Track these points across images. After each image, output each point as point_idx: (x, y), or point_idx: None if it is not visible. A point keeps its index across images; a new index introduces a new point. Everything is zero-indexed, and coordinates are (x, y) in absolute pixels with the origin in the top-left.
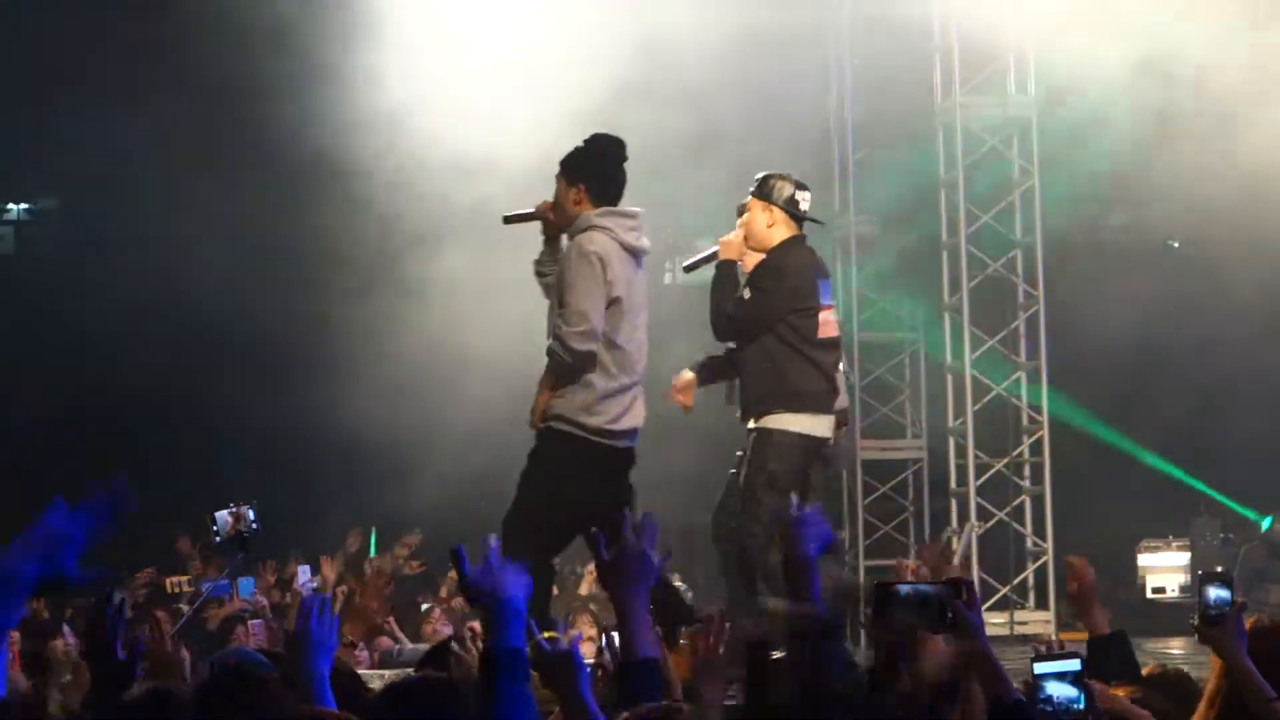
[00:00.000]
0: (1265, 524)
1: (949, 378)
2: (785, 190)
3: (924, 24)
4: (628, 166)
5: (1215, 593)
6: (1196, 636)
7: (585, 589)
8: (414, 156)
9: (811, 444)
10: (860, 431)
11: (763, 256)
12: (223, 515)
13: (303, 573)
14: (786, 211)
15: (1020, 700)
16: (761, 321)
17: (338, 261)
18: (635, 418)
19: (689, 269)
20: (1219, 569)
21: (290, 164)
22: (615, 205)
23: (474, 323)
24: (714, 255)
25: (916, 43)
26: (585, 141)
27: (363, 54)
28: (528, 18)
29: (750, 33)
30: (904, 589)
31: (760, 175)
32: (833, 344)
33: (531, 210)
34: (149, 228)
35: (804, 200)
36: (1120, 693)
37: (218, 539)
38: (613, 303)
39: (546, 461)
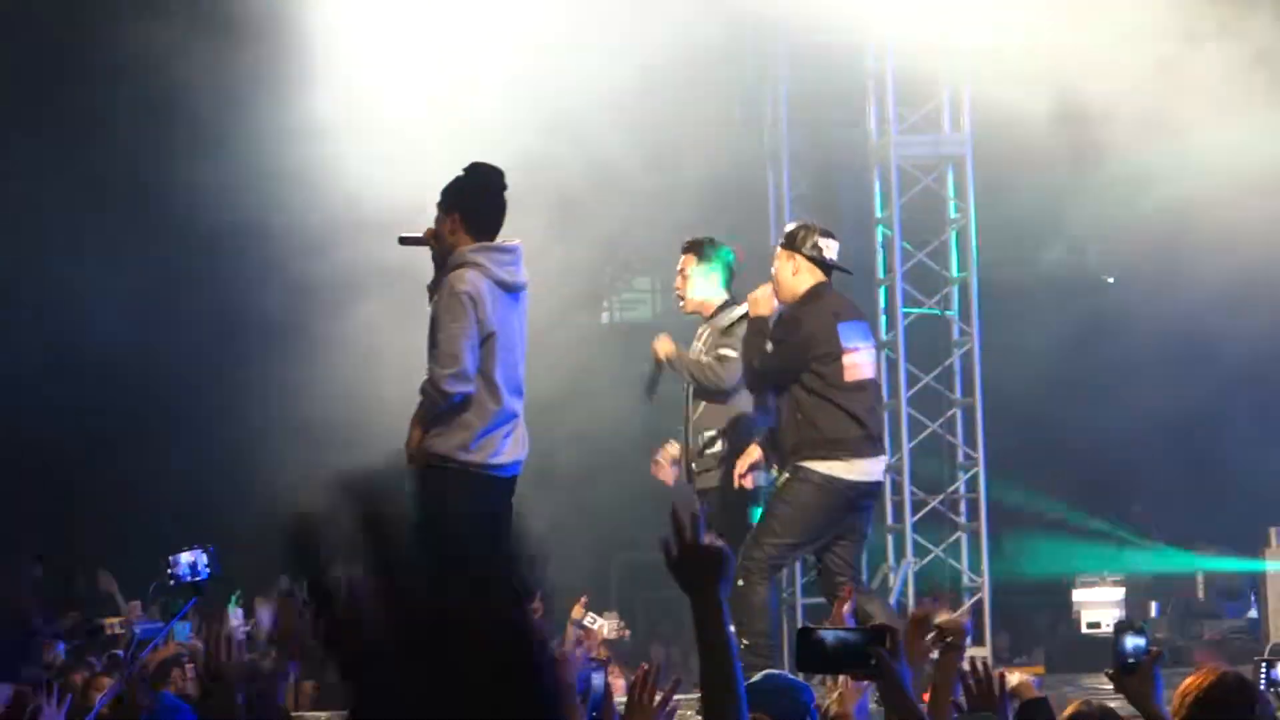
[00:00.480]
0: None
1: (885, 415)
2: (809, 239)
3: (858, 62)
4: (535, 199)
5: (1131, 641)
6: (1112, 686)
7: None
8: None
9: (840, 487)
10: None
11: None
12: (180, 557)
13: (246, 616)
14: (810, 259)
15: None
16: (785, 373)
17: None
18: (517, 450)
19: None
20: (1133, 620)
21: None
22: (493, 237)
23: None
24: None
25: (851, 81)
26: (465, 170)
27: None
28: (442, 69)
29: (686, 71)
30: (828, 635)
31: (788, 227)
32: (860, 386)
33: (420, 235)
34: (56, 272)
35: (829, 248)
36: None
37: (173, 582)
38: (486, 339)
39: (432, 501)
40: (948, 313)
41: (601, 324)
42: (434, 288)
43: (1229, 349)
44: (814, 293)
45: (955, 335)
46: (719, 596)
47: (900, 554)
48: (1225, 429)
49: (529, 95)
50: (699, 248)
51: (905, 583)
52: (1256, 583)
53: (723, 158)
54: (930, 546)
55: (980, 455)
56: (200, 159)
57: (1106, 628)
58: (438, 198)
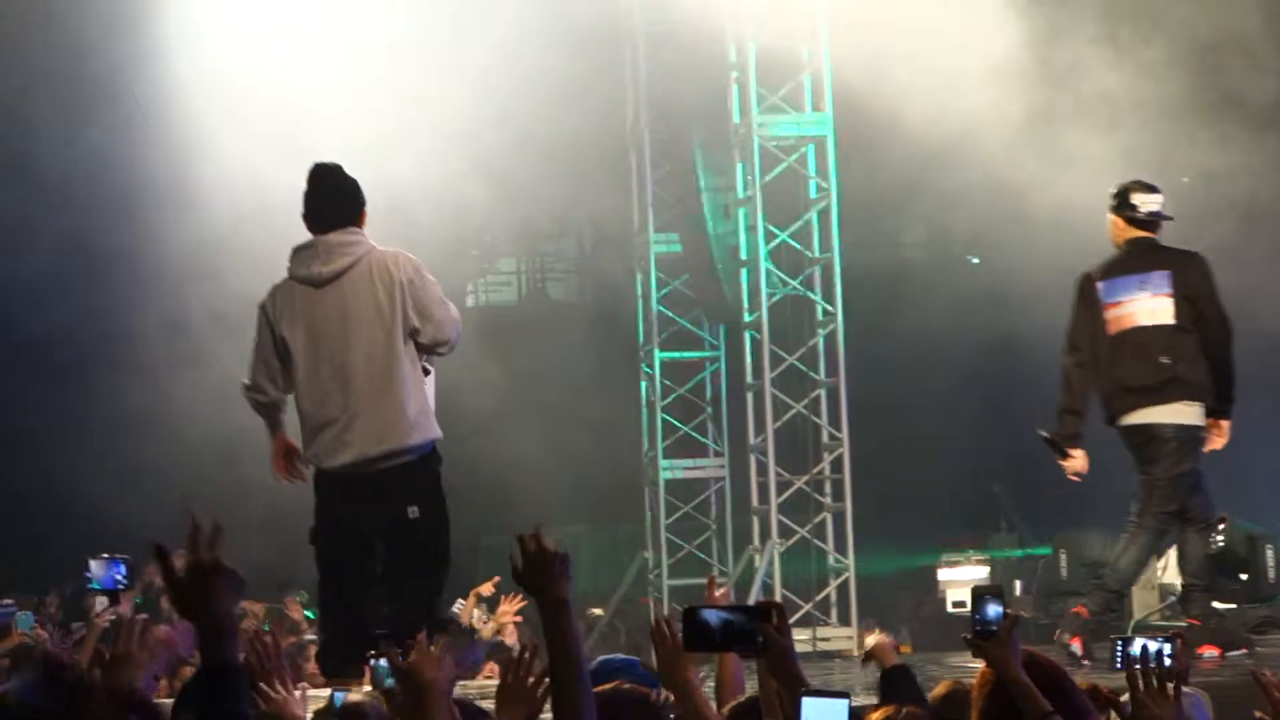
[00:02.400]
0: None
1: (749, 396)
2: (1125, 196)
3: (719, 42)
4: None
5: (990, 608)
6: (970, 651)
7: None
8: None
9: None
10: (662, 450)
11: None
12: (97, 564)
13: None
14: (1125, 217)
15: None
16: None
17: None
18: (350, 450)
19: None
20: (991, 584)
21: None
22: (312, 232)
23: None
24: None
25: (712, 61)
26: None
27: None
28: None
29: (549, 52)
30: (713, 615)
31: (1110, 189)
32: (1123, 337)
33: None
34: None
35: (1144, 203)
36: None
37: (91, 586)
38: (283, 343)
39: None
40: (810, 293)
41: (466, 307)
42: None
43: None
44: (1117, 252)
45: (819, 316)
46: (566, 596)
47: (766, 535)
48: None
49: (390, 79)
50: None
51: (771, 564)
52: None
53: (585, 139)
54: (796, 528)
55: (845, 436)
56: None
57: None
58: None
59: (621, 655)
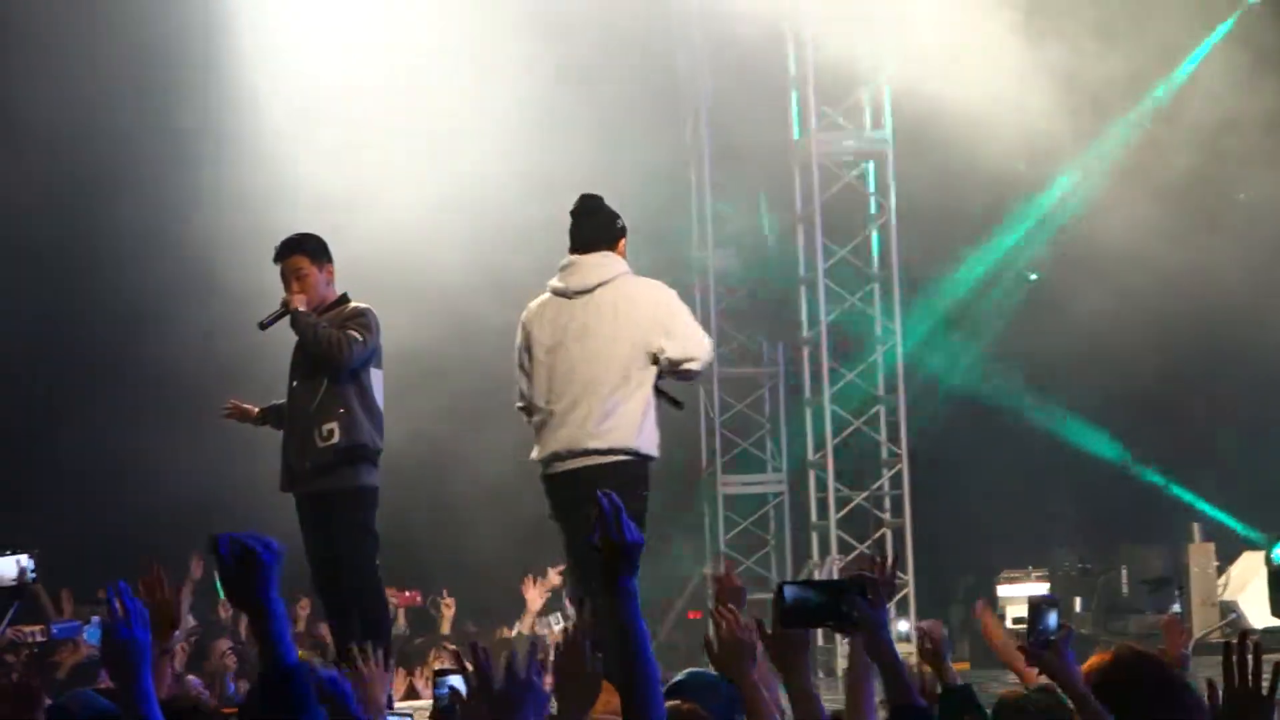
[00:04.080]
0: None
1: (808, 412)
2: None
3: (779, 60)
4: None
5: (1049, 618)
6: (1028, 661)
7: (445, 627)
8: None
9: None
10: (721, 466)
11: None
12: (3, 562)
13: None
14: None
15: (924, 706)
16: None
17: None
18: (552, 448)
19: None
20: (1048, 595)
21: None
22: (572, 253)
23: None
24: (282, 313)
25: (773, 78)
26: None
27: None
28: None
29: (609, 69)
30: (807, 589)
31: None
32: None
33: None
34: None
35: None
36: None
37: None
38: (529, 351)
39: None
40: (869, 310)
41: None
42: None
43: None
44: None
45: (878, 332)
46: (633, 587)
47: (825, 551)
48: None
49: (449, 91)
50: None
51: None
52: (1180, 577)
53: (644, 155)
54: (855, 543)
55: (904, 452)
56: None
57: None
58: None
59: (714, 673)
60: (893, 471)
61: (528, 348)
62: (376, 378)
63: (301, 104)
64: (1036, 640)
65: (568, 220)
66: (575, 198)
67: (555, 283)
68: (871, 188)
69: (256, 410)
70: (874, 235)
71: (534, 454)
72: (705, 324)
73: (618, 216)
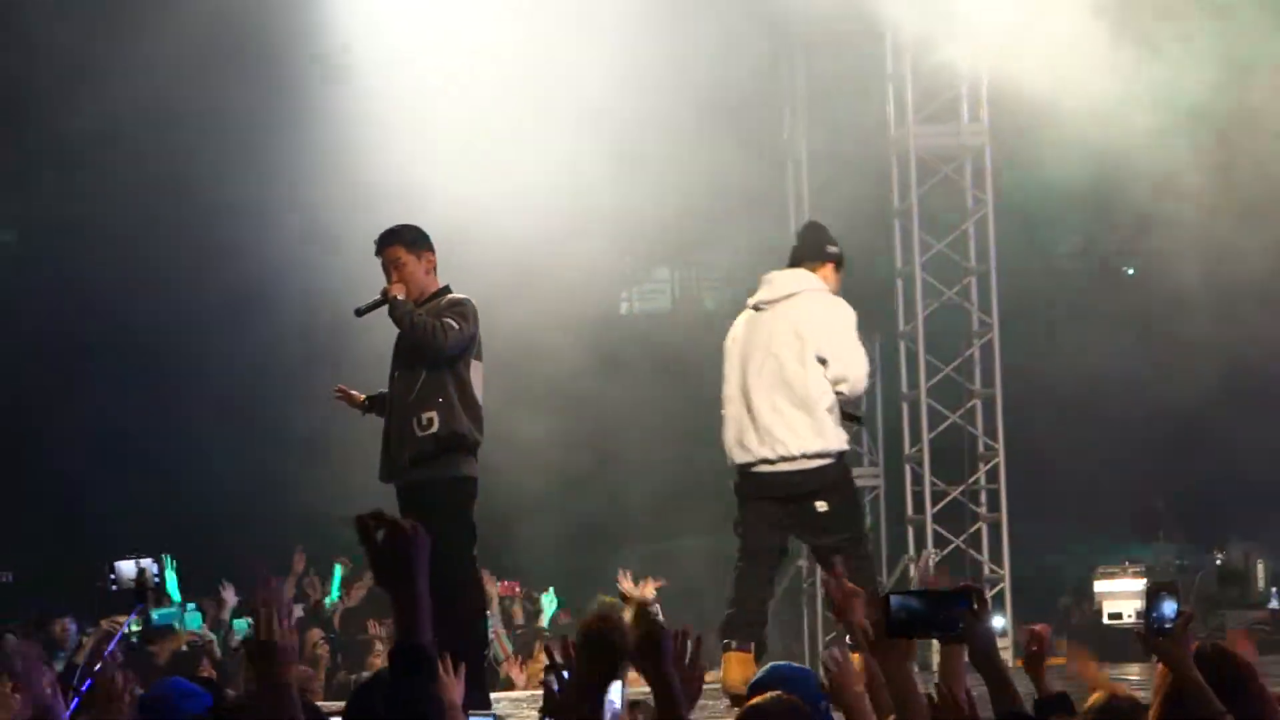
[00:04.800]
0: None
1: (905, 406)
2: None
3: (878, 54)
4: None
5: (1166, 605)
6: (1144, 648)
7: (544, 620)
8: None
9: None
10: None
11: None
12: (124, 565)
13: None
14: None
15: (1026, 714)
16: None
17: None
18: (750, 453)
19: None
20: (1167, 580)
21: None
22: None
23: None
24: (381, 301)
25: (871, 72)
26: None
27: None
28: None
29: (704, 63)
30: (914, 600)
31: None
32: None
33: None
34: None
35: None
36: None
37: (114, 588)
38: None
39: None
40: (966, 303)
41: (619, 314)
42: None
43: None
44: None
45: (975, 326)
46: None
47: (921, 545)
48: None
49: (551, 86)
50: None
51: (926, 573)
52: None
53: (742, 148)
54: (951, 537)
55: (1000, 446)
56: None
57: (1128, 619)
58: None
59: (796, 665)
60: (989, 465)
61: (728, 358)
62: (476, 370)
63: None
64: (1152, 627)
65: (667, 218)
66: (675, 192)
67: (752, 298)
68: (969, 181)
69: (363, 397)
70: (971, 229)
71: (731, 459)
72: None
73: (830, 243)
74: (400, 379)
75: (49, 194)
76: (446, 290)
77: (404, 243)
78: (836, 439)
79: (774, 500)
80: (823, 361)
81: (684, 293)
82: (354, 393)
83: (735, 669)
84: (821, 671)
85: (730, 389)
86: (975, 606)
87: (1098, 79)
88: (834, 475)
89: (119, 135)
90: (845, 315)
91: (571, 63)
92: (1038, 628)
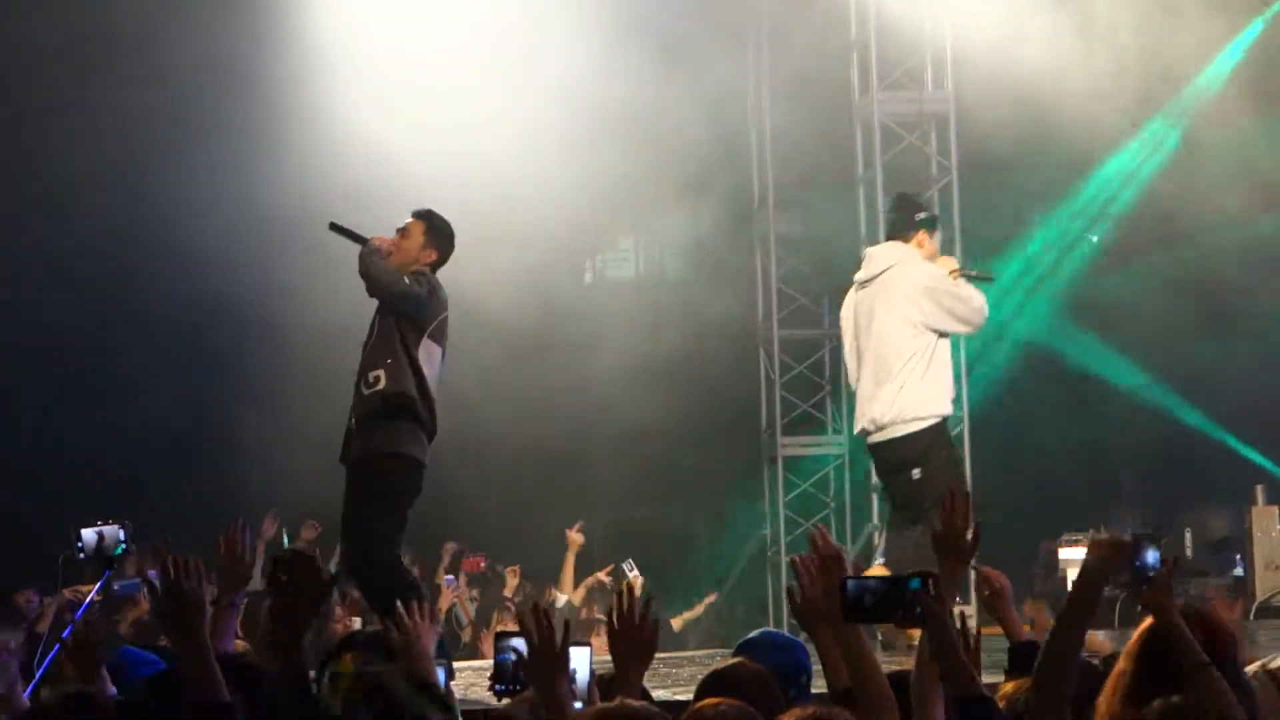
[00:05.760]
0: None
1: None
2: None
3: (842, 19)
4: None
5: (1149, 553)
6: (1129, 597)
7: (508, 590)
8: None
9: None
10: (781, 428)
11: None
12: (89, 533)
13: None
14: None
15: (986, 696)
16: None
17: None
18: (861, 421)
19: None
20: (1152, 530)
21: None
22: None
23: None
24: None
25: (835, 38)
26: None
27: None
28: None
29: (668, 28)
30: (871, 584)
31: None
32: None
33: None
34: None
35: None
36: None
37: (80, 556)
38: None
39: None
40: None
41: (584, 283)
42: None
43: None
44: None
45: None
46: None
47: (885, 513)
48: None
49: (509, 50)
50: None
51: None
52: (1243, 540)
53: (706, 115)
54: None
55: (965, 414)
56: None
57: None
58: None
59: (788, 635)
60: (953, 434)
61: (844, 337)
62: (430, 350)
63: (362, 64)
64: (1136, 577)
65: (636, 183)
66: (638, 157)
67: (857, 275)
68: (934, 149)
69: None
70: (935, 197)
71: (855, 427)
72: (765, 285)
73: (919, 210)
74: (362, 358)
75: None
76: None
77: (429, 224)
78: (929, 406)
79: (885, 469)
80: (928, 326)
81: (647, 261)
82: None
83: None
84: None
85: (849, 365)
86: (932, 590)
87: (1065, 44)
88: (926, 442)
89: None
90: (933, 274)
91: (532, 28)
92: (989, 571)
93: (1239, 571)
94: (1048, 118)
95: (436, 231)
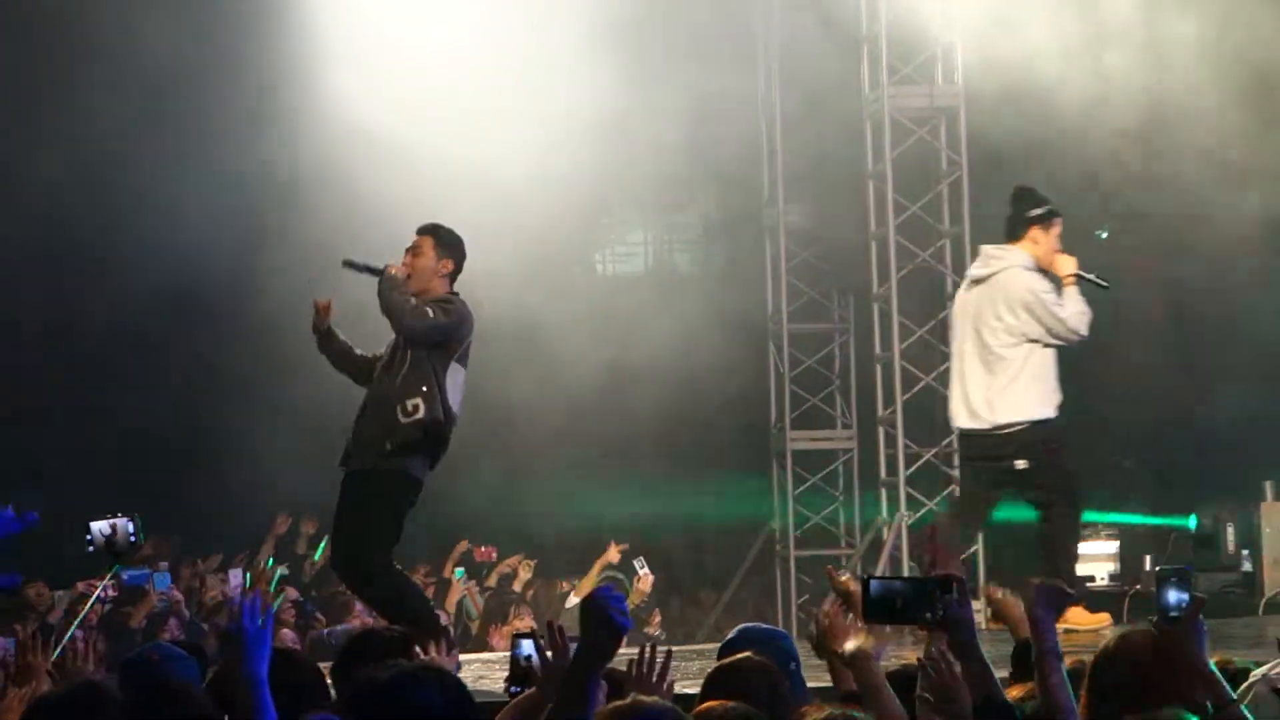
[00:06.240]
0: (1191, 523)
1: (878, 368)
2: None
3: (852, 14)
4: None
5: (1174, 594)
6: (1159, 635)
7: (519, 584)
8: None
9: None
10: (790, 422)
11: None
12: (99, 525)
13: (234, 576)
14: None
15: (1007, 702)
16: None
17: None
18: (957, 419)
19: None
20: (1177, 566)
21: None
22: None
23: None
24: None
25: (845, 32)
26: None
27: None
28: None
29: (678, 19)
30: (895, 585)
31: None
32: None
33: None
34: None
35: None
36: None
37: (90, 549)
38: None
39: None
40: (939, 266)
41: (594, 276)
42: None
43: None
44: None
45: (949, 289)
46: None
47: (894, 508)
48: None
49: (517, 40)
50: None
51: (899, 536)
52: (1253, 535)
53: (716, 108)
54: (924, 500)
55: None
56: None
57: (1101, 581)
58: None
59: (767, 626)
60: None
61: (951, 329)
62: (455, 373)
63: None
64: (1162, 615)
65: (643, 183)
66: (647, 150)
67: (969, 270)
68: (944, 143)
69: (328, 322)
70: (945, 191)
71: (952, 421)
72: (775, 278)
73: (1034, 206)
74: (382, 375)
75: None
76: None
77: (437, 238)
78: (1030, 409)
79: (982, 460)
80: (1026, 337)
81: (657, 255)
82: (324, 310)
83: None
84: (811, 625)
85: (953, 359)
86: (957, 594)
87: (1074, 39)
88: (1027, 439)
89: None
90: (1036, 288)
91: (544, 24)
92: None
93: (1248, 568)
94: (1057, 112)
95: (446, 242)
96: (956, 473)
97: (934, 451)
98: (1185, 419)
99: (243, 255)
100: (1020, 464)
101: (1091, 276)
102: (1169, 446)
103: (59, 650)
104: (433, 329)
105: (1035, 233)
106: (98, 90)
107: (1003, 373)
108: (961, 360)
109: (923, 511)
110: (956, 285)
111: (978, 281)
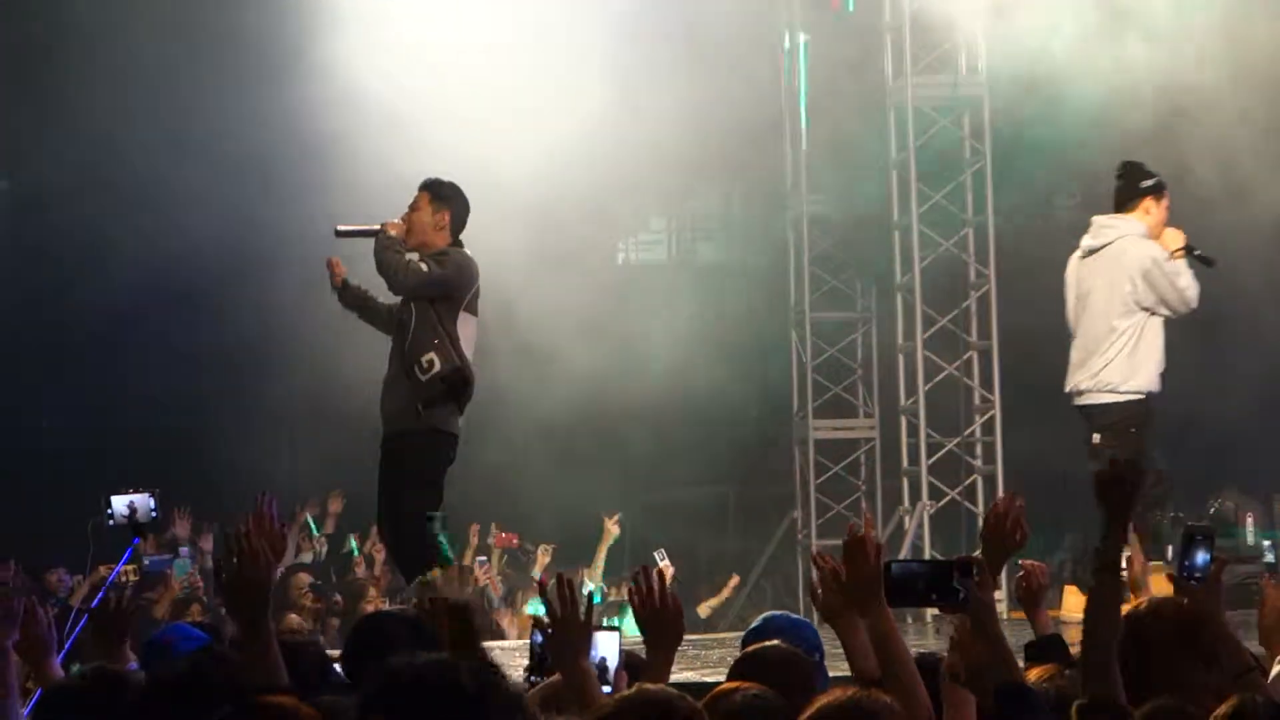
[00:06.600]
0: None
1: (901, 357)
2: None
3: (876, 3)
4: None
5: (1202, 555)
6: (1175, 592)
7: (539, 568)
8: None
9: None
10: (812, 411)
11: None
12: (120, 500)
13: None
14: None
15: (1026, 686)
16: None
17: None
18: (1069, 383)
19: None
20: (1203, 524)
21: None
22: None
23: None
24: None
25: (868, 22)
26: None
27: None
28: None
29: (700, 8)
30: (915, 568)
31: None
32: None
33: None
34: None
35: None
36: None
37: (110, 524)
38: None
39: None
40: (963, 255)
41: (616, 265)
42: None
43: None
44: None
45: (972, 278)
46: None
47: (916, 497)
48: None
49: (544, 31)
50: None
51: (921, 526)
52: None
53: (738, 97)
54: (946, 489)
55: (996, 398)
56: None
57: (1123, 574)
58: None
59: (791, 615)
60: (985, 418)
61: (1066, 297)
62: (465, 322)
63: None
64: (1183, 574)
65: (669, 175)
66: (670, 138)
67: (1082, 240)
68: (966, 132)
69: (342, 279)
70: (968, 180)
71: (1066, 385)
72: (797, 267)
73: (1145, 177)
74: (397, 339)
75: None
76: (449, 251)
77: (432, 192)
78: (1130, 382)
79: (1087, 428)
80: (1140, 305)
81: (680, 244)
82: (336, 267)
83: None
84: (814, 574)
85: (1072, 330)
86: (977, 577)
87: (1096, 29)
88: (1118, 414)
89: None
90: (1155, 256)
91: (567, 13)
92: (1031, 564)
93: (1270, 558)
94: (1079, 102)
95: (443, 195)
96: (980, 462)
97: (956, 441)
98: (1197, 418)
99: (241, 246)
100: (1095, 438)
101: (1199, 251)
102: (1179, 445)
103: (77, 630)
104: (428, 283)
105: (1148, 203)
106: (100, 77)
107: (1112, 345)
108: (1073, 331)
109: (944, 501)
110: (981, 275)
111: (1091, 252)
